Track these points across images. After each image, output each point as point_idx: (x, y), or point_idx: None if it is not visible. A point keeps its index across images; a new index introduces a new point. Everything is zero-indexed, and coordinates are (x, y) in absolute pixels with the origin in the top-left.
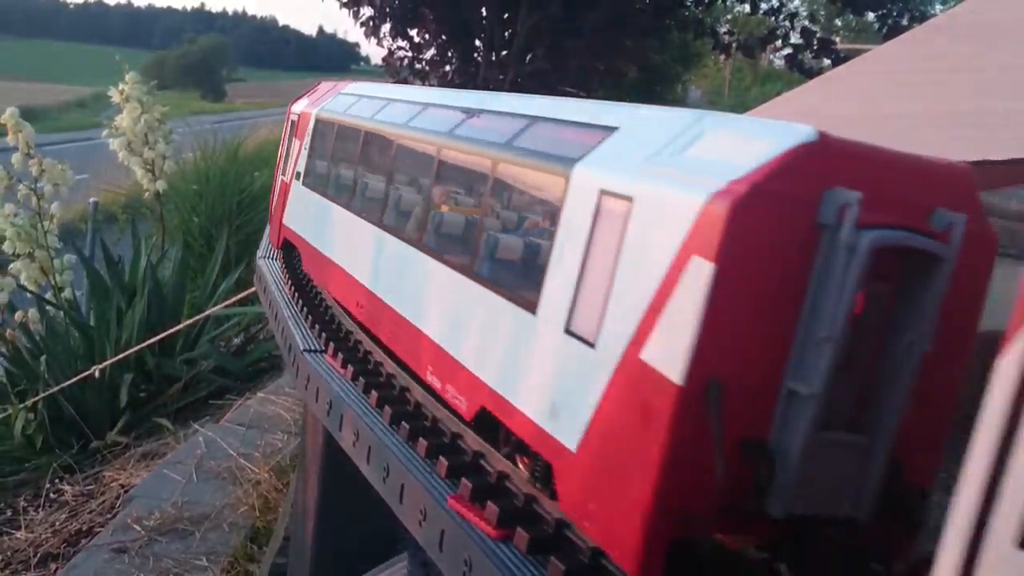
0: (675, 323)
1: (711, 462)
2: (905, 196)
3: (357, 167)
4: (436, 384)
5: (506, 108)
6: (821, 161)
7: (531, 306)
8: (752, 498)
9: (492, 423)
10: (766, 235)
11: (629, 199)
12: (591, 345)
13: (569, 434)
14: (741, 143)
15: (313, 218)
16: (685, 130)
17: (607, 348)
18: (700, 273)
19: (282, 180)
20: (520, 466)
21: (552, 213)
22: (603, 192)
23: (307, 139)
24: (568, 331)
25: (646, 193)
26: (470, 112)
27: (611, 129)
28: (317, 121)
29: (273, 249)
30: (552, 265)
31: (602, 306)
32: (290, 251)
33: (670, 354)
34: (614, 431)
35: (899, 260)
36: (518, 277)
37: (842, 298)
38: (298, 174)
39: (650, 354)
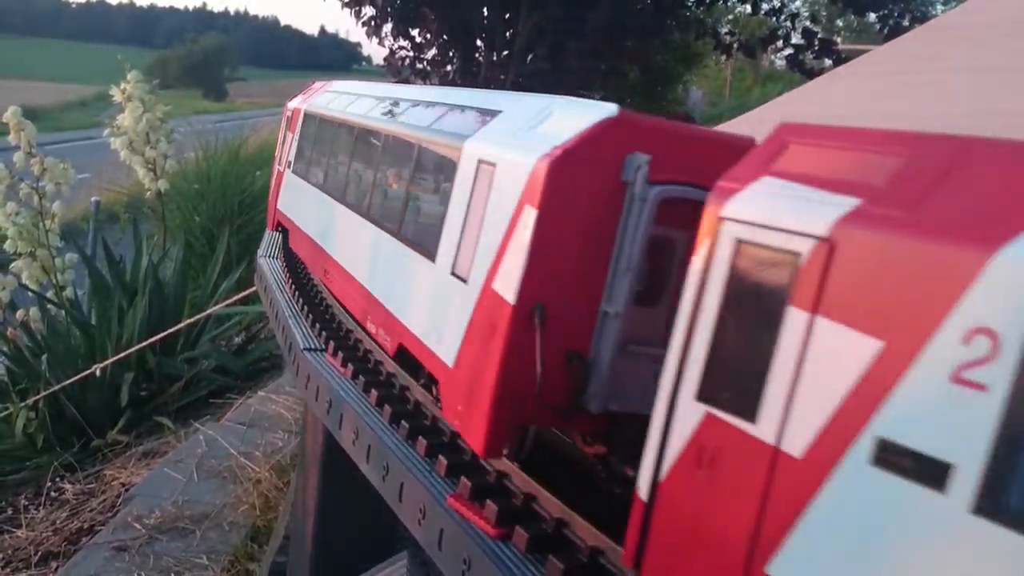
0: (512, 259)
1: (540, 365)
2: (690, 160)
3: (328, 153)
4: (371, 329)
5: (436, 99)
6: (622, 132)
7: (432, 256)
8: (574, 397)
9: (411, 358)
10: (578, 188)
11: (494, 165)
12: (465, 281)
13: (448, 353)
14: (570, 120)
15: (296, 200)
16: (539, 112)
17: (474, 283)
18: (528, 218)
19: (278, 170)
20: (434, 393)
21: (450, 180)
22: (479, 161)
23: (296, 132)
24: (453, 273)
25: (503, 159)
26: (414, 103)
27: (496, 113)
28: (303, 115)
29: (269, 232)
30: (446, 222)
31: (473, 250)
32: (288, 244)
33: (508, 283)
34: (474, 346)
35: (694, 210)
36: (426, 234)
37: (637, 238)
38: (289, 163)
39: (498, 284)
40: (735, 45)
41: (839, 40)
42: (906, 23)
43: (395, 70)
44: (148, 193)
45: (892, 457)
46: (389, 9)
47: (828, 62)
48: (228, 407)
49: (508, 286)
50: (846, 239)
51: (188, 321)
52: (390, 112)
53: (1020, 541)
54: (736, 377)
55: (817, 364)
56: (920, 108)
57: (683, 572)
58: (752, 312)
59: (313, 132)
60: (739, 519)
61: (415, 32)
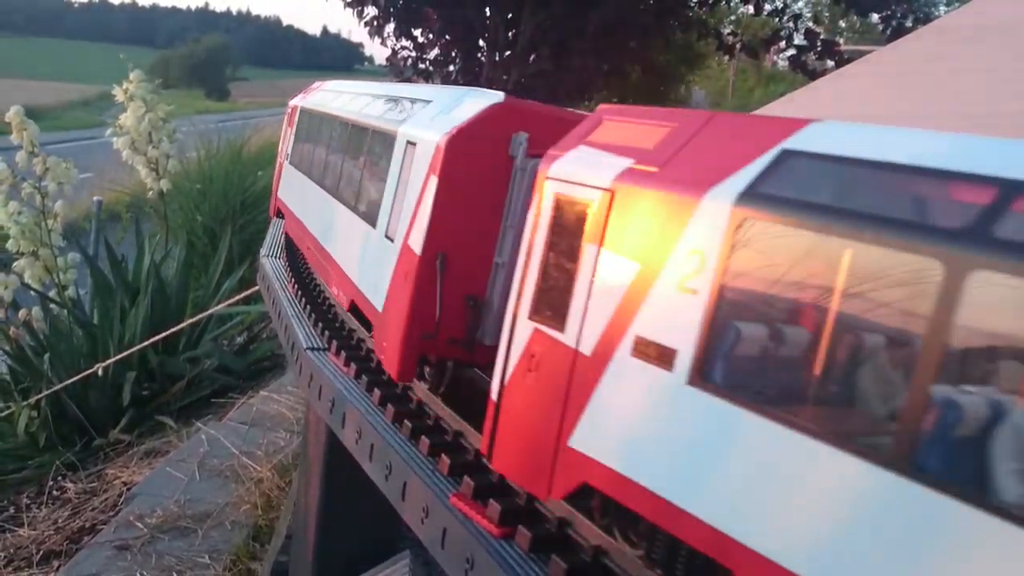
0: (421, 219)
1: (439, 305)
2: (561, 137)
3: (312, 143)
4: (335, 291)
5: (391, 93)
6: (507, 115)
7: (374, 223)
8: (472, 332)
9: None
10: (471, 161)
11: (415, 144)
12: (392, 241)
13: (379, 301)
14: (471, 106)
15: (289, 186)
16: (455, 101)
17: (398, 241)
18: (432, 185)
19: (279, 162)
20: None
21: (389, 159)
22: (407, 141)
23: (293, 126)
24: (386, 236)
25: (420, 138)
26: (375, 97)
27: (428, 102)
28: (299, 112)
29: (272, 221)
30: (385, 193)
31: (399, 215)
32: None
33: (418, 238)
34: (394, 292)
35: None
36: (371, 205)
37: (520, 201)
38: (287, 155)
39: (411, 240)
40: (738, 45)
41: (842, 41)
42: (909, 24)
43: (397, 70)
44: (150, 192)
45: (642, 348)
46: (391, 9)
47: (831, 63)
48: (230, 406)
49: (417, 241)
50: (619, 190)
51: (190, 320)
52: (356, 105)
53: (717, 402)
54: (553, 298)
55: (601, 284)
56: (922, 108)
57: (518, 454)
58: (563, 249)
59: (303, 126)
60: (552, 407)
61: (417, 32)
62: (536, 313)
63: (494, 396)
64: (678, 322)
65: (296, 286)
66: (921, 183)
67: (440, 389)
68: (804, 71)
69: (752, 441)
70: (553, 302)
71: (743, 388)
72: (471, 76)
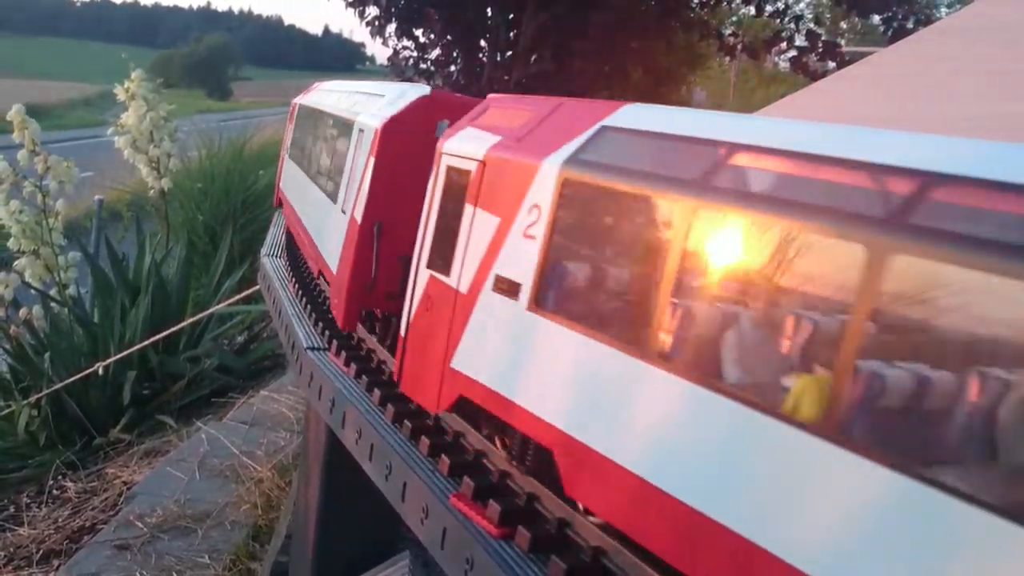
0: (362, 193)
1: (376, 265)
2: None
3: (303, 136)
4: (312, 266)
5: (362, 90)
6: (434, 105)
7: (335, 200)
8: (404, 287)
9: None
10: (402, 144)
11: (363, 130)
12: (345, 213)
13: (333, 262)
14: (405, 99)
15: (287, 176)
16: (400, 94)
17: (348, 213)
18: (371, 165)
19: (282, 155)
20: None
21: (348, 144)
22: (359, 128)
23: (292, 123)
24: (342, 210)
25: (367, 125)
26: (350, 93)
27: (382, 96)
28: (297, 108)
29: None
30: (343, 174)
31: (350, 191)
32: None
33: (360, 209)
34: (343, 256)
35: None
36: (335, 185)
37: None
38: (287, 148)
39: (356, 212)
40: (739, 47)
41: (843, 42)
42: (910, 25)
43: (399, 70)
44: (151, 191)
45: (499, 284)
46: (393, 9)
47: (832, 64)
48: (230, 406)
49: (359, 212)
50: (489, 160)
51: (191, 320)
52: (335, 100)
53: (547, 323)
54: (442, 250)
55: (475, 236)
56: (923, 110)
57: (417, 378)
58: (451, 210)
59: (298, 121)
60: (440, 338)
61: (419, 32)
62: (431, 263)
63: (402, 333)
64: (522, 262)
65: (296, 285)
66: (686, 149)
67: (387, 341)
68: (805, 72)
69: (573, 351)
70: (443, 253)
71: (567, 311)
72: (472, 76)
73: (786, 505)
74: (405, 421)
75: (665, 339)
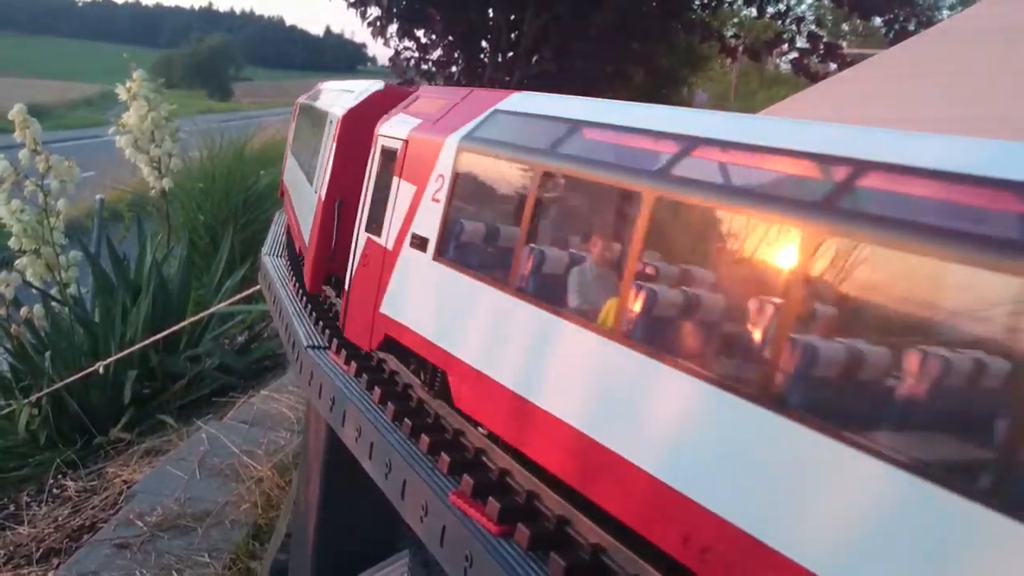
0: (325, 174)
1: (336, 237)
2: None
3: (301, 132)
4: (297, 245)
5: (347, 88)
6: (388, 98)
7: (312, 183)
8: None
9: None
10: (359, 131)
11: (331, 121)
12: (317, 195)
13: (308, 237)
14: (367, 91)
15: (288, 170)
16: (363, 89)
17: (319, 194)
18: (333, 148)
19: (286, 151)
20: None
21: (323, 134)
22: (330, 120)
23: (295, 120)
24: (316, 192)
25: (334, 115)
26: (339, 91)
27: (352, 92)
28: (299, 106)
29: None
30: (319, 161)
31: (322, 174)
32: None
33: (324, 188)
34: (312, 229)
35: None
36: (313, 170)
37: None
38: (289, 144)
39: (321, 191)
40: (740, 48)
41: (844, 44)
42: (912, 27)
43: (400, 71)
44: (152, 191)
45: (414, 240)
46: (395, 10)
47: (833, 66)
48: (230, 406)
49: (323, 191)
50: (410, 139)
51: (191, 319)
52: (325, 97)
53: (444, 268)
54: (376, 216)
55: (399, 203)
56: (924, 111)
57: (356, 324)
58: (383, 182)
59: (298, 118)
60: (372, 288)
61: (420, 33)
62: (368, 227)
63: (346, 287)
64: (430, 222)
65: (297, 285)
66: (544, 126)
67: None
68: (807, 74)
69: (463, 290)
70: (376, 218)
71: (461, 260)
72: (474, 77)
73: (594, 389)
74: (405, 419)
75: (523, 276)
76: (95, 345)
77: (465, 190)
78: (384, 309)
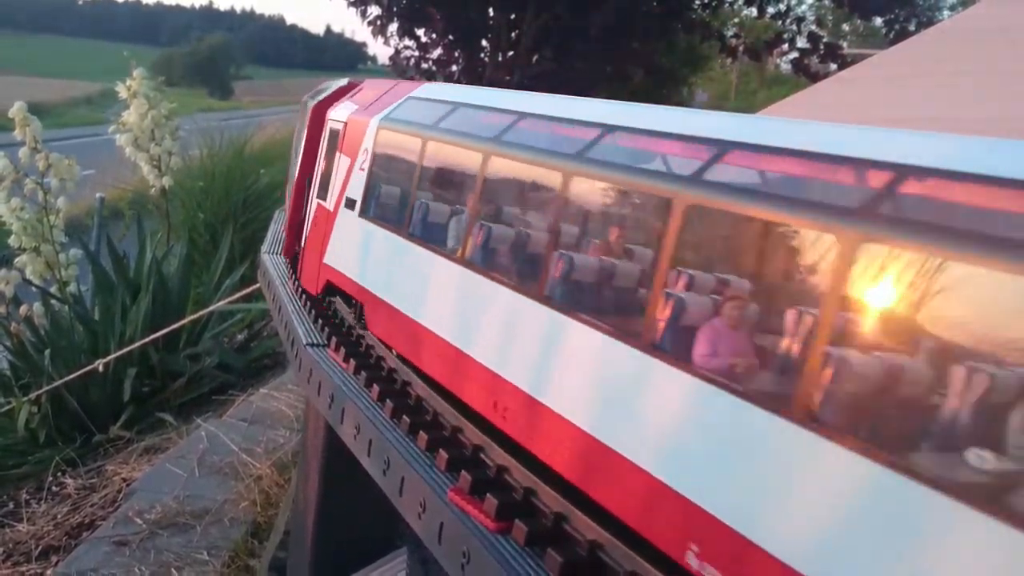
0: (297, 156)
1: (305, 206)
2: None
3: (296, 125)
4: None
5: (334, 85)
6: (349, 91)
7: (295, 168)
8: None
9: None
10: (323, 119)
11: (306, 110)
12: (310, 189)
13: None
14: (335, 86)
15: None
16: (335, 85)
17: (294, 173)
18: (304, 134)
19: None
20: None
21: (302, 124)
22: (303, 109)
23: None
24: (294, 173)
25: (307, 106)
26: (330, 88)
27: (331, 87)
28: (303, 105)
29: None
30: (296, 148)
31: (296, 157)
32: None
33: (296, 168)
34: (288, 204)
35: None
36: (294, 159)
37: None
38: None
39: (294, 171)
40: (741, 48)
41: (844, 44)
42: (912, 27)
43: (400, 70)
44: (152, 190)
45: (348, 203)
46: (395, 9)
47: (833, 66)
48: (230, 404)
49: (295, 170)
50: (349, 121)
51: (191, 317)
52: (315, 94)
53: (368, 224)
54: (324, 184)
55: (339, 172)
56: (924, 111)
57: (306, 274)
58: (331, 156)
59: (300, 114)
60: (321, 242)
61: (421, 32)
62: (319, 194)
63: (301, 243)
64: (358, 186)
65: (296, 284)
66: (440, 108)
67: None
68: (807, 74)
69: (378, 239)
70: (324, 186)
71: (379, 216)
72: (473, 76)
73: (452, 309)
74: (404, 417)
75: (415, 225)
76: (95, 343)
77: (381, 160)
78: (327, 260)
